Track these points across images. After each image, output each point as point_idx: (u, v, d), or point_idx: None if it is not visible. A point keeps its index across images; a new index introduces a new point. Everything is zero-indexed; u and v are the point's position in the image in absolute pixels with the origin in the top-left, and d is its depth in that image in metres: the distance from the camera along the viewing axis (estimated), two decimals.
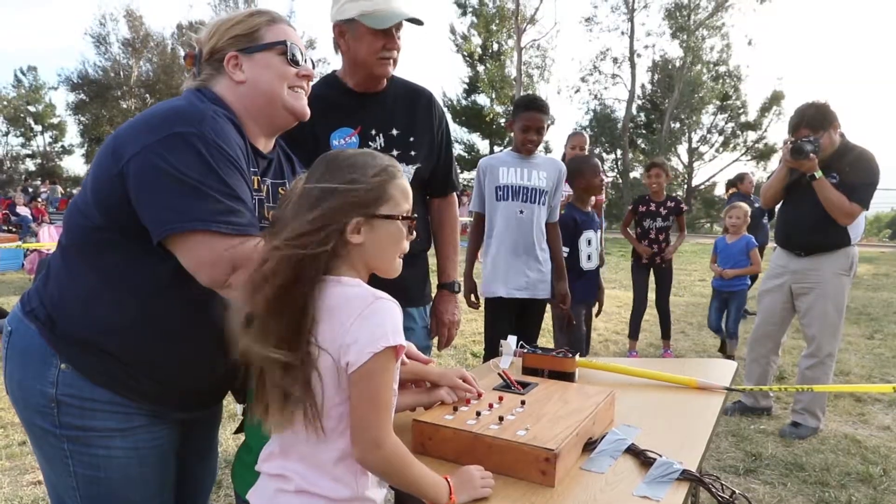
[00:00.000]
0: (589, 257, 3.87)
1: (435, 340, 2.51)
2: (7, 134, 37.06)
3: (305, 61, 1.59)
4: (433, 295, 2.50)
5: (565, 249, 3.74)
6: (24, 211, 17.32)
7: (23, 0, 68.32)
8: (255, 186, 1.50)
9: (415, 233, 1.31)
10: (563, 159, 4.70)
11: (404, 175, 1.30)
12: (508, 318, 3.39)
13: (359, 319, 1.14)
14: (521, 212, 3.36)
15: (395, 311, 1.18)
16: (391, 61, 2.12)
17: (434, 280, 2.49)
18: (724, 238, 5.59)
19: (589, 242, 3.88)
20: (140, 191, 1.29)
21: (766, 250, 6.70)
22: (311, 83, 1.65)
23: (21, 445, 3.54)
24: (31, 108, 37.76)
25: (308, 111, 1.61)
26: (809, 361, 3.80)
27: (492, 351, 3.43)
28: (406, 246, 1.30)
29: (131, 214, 1.31)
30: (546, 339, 5.54)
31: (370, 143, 2.18)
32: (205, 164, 1.30)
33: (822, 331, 3.76)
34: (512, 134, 3.52)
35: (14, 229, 15.97)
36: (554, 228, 3.53)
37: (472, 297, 3.49)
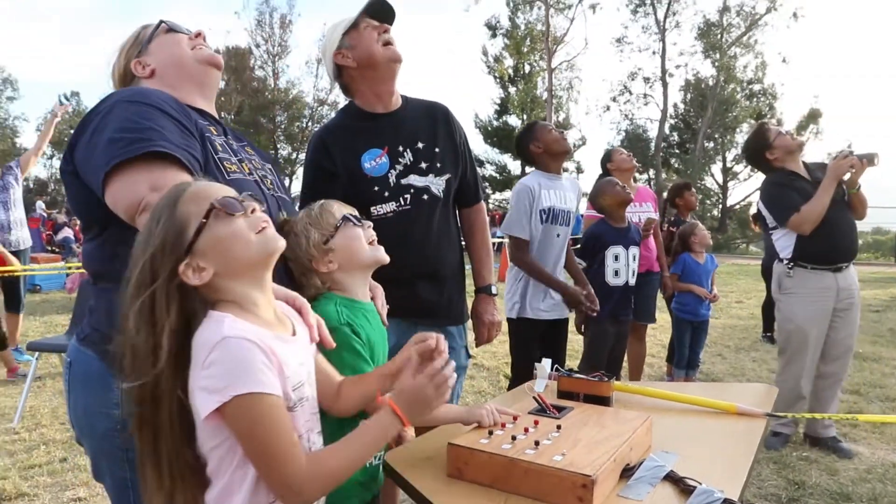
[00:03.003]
0: (616, 273, 3.82)
1: (472, 341, 2.53)
2: (52, 157, 38.24)
3: (187, 30, 1.72)
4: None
5: (584, 263, 3.78)
6: (66, 232, 17.79)
7: (67, 35, 70.73)
8: (214, 133, 1.57)
9: (252, 206, 1.20)
10: (609, 174, 4.65)
11: (194, 183, 1.22)
12: (536, 339, 3.37)
13: (202, 368, 1.07)
14: (558, 235, 3.37)
15: (243, 353, 1.07)
16: (393, 45, 2.24)
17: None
18: (691, 256, 5.06)
19: (616, 258, 3.82)
20: (80, 164, 1.37)
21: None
22: (206, 40, 1.75)
23: (62, 462, 3.60)
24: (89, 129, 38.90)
25: (218, 57, 1.71)
26: (831, 381, 3.78)
27: (520, 373, 3.41)
28: (254, 221, 1.18)
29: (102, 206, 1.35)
30: (574, 359, 5.48)
31: (399, 159, 2.23)
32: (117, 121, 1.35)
33: (853, 344, 3.72)
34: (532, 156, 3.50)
35: (57, 250, 16.40)
36: (569, 245, 3.57)
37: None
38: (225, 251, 1.14)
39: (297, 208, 1.86)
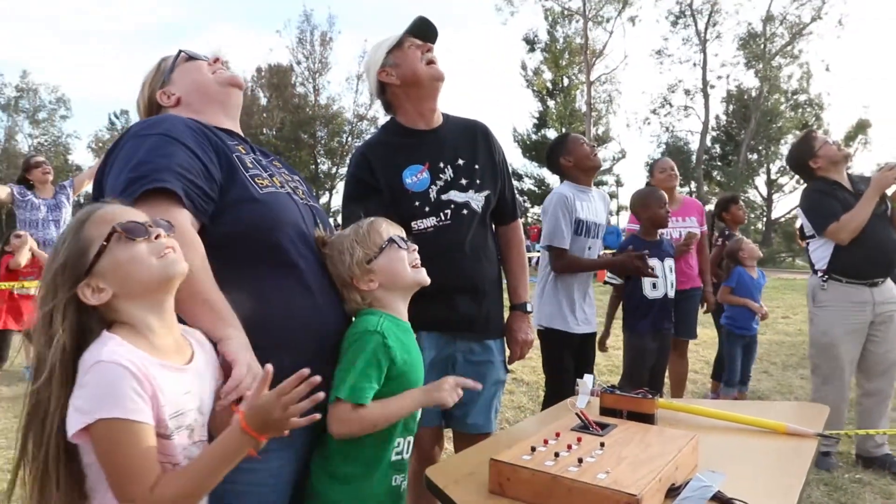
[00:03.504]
0: (654, 285, 3.76)
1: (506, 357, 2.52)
2: None
3: (205, 56, 1.79)
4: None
5: (615, 280, 3.75)
6: None
7: (116, 54, 73.24)
8: (243, 151, 1.61)
9: (157, 231, 1.22)
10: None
11: (105, 206, 1.26)
12: (569, 352, 3.34)
13: (77, 387, 1.12)
14: (590, 248, 3.36)
15: (108, 375, 1.10)
16: (436, 64, 2.28)
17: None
18: (746, 270, 4.95)
19: (652, 270, 3.77)
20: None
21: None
22: (227, 64, 1.84)
23: None
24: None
25: (238, 78, 1.78)
26: (878, 398, 3.65)
27: (554, 387, 3.39)
28: (157, 246, 1.21)
29: None
30: (614, 374, 5.41)
31: (440, 175, 2.26)
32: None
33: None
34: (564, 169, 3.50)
35: None
36: None
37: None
38: (124, 274, 1.18)
39: (333, 221, 1.90)
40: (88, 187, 6.03)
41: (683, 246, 4.36)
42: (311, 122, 36.73)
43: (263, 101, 36.79)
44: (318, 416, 1.23)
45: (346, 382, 1.49)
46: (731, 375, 4.85)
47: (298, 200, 1.65)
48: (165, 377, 1.19)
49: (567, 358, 3.32)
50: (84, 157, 43.22)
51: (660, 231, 3.87)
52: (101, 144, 41.06)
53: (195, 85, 1.71)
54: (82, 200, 6.46)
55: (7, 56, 70.23)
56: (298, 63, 37.04)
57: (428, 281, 1.68)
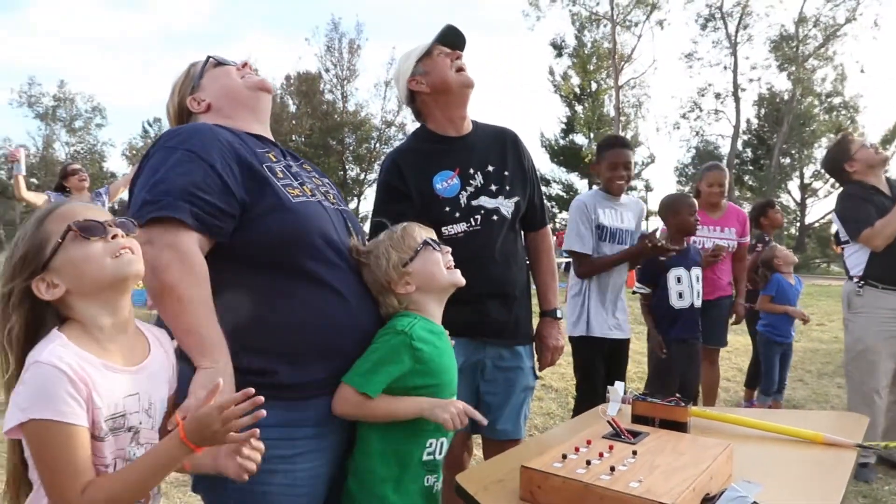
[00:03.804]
0: (681, 295, 3.71)
1: (536, 364, 2.52)
2: None
3: (234, 62, 1.81)
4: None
5: (644, 289, 3.70)
6: None
7: (149, 62, 74.79)
8: (273, 159, 1.62)
9: (115, 231, 1.24)
10: (697, 197, 4.50)
11: (66, 203, 1.29)
12: (600, 359, 3.32)
13: (18, 384, 1.14)
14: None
15: (44, 376, 1.12)
16: (466, 71, 2.29)
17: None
18: (784, 277, 4.88)
19: (679, 280, 3.70)
20: None
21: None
22: (255, 69, 1.86)
23: None
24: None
25: (267, 82, 1.79)
26: None
27: (584, 393, 3.37)
28: (113, 246, 1.22)
29: None
30: (638, 381, 5.34)
31: (470, 181, 2.27)
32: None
33: None
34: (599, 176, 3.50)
35: None
36: None
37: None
38: (77, 272, 1.20)
39: (365, 227, 1.91)
40: (124, 194, 6.14)
41: (711, 257, 4.25)
42: (340, 128, 37.03)
43: (293, 108, 37.22)
44: (257, 430, 1.21)
45: (359, 371, 1.52)
46: (768, 384, 4.77)
47: (329, 206, 1.65)
48: (107, 378, 1.20)
49: (598, 364, 3.29)
50: (118, 165, 44.20)
51: (691, 239, 3.82)
52: (134, 152, 41.88)
53: (225, 90, 1.73)
54: (117, 207, 6.59)
55: (45, 66, 72.29)
56: (327, 70, 37.43)
57: (463, 281, 1.69)
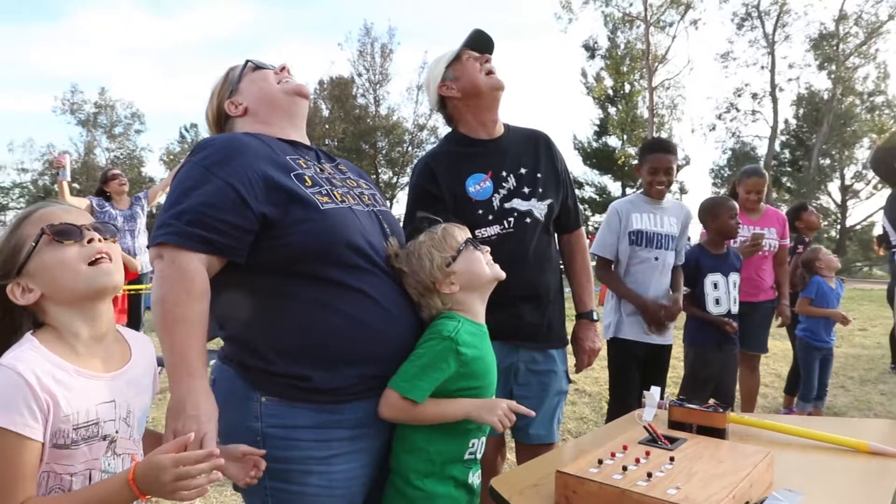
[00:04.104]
0: (717, 301, 3.64)
1: (572, 366, 2.50)
2: None
3: (272, 66, 1.81)
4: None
5: (685, 289, 3.62)
6: None
7: (186, 67, 76.35)
8: (304, 166, 1.63)
9: (91, 236, 1.23)
10: (734, 199, 4.42)
11: (46, 205, 1.28)
12: (635, 363, 3.28)
13: None
14: (657, 258, 3.29)
15: (4, 382, 1.09)
16: (496, 74, 2.30)
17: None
18: (824, 280, 4.73)
19: (716, 286, 3.64)
20: None
21: None
22: (291, 73, 1.84)
23: None
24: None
25: (304, 87, 1.80)
26: None
27: (617, 397, 3.33)
28: (89, 251, 1.21)
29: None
30: (673, 387, 5.25)
31: (503, 184, 2.27)
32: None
33: None
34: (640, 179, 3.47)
35: None
36: (677, 272, 3.44)
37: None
38: (51, 277, 1.18)
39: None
40: (162, 198, 6.28)
41: (750, 246, 4.11)
42: (372, 132, 37.28)
43: (326, 112, 37.57)
44: (207, 489, 1.17)
45: (405, 376, 1.53)
46: (808, 390, 4.65)
47: (362, 209, 1.65)
48: (79, 384, 1.18)
49: (633, 369, 3.26)
50: (156, 169, 45.15)
51: (730, 242, 3.76)
52: (171, 157, 42.68)
53: (262, 94, 1.75)
54: (155, 211, 6.73)
55: (87, 74, 74.21)
56: (359, 75, 37.69)
57: (504, 274, 1.71)
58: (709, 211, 3.74)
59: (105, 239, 1.25)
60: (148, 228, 6.33)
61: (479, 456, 1.65)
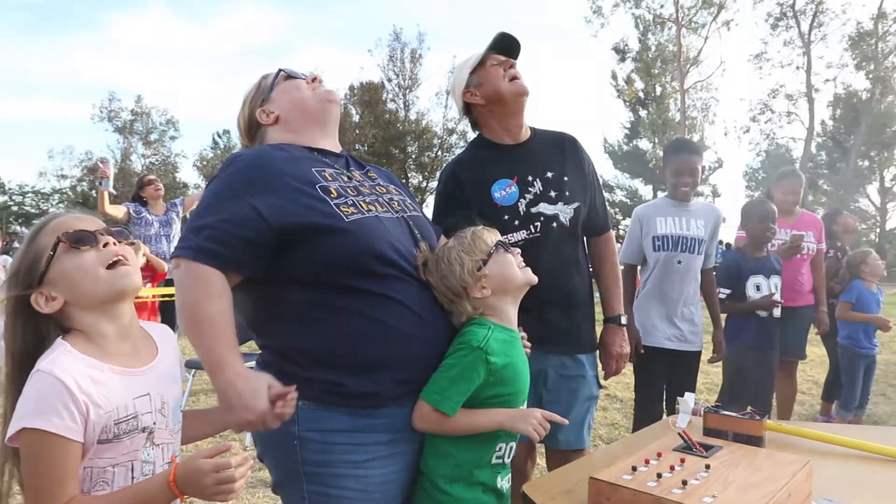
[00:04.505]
0: None
1: (600, 372, 2.47)
2: None
3: (304, 74, 1.83)
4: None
5: (726, 291, 3.59)
6: None
7: (218, 75, 77.63)
8: (329, 178, 1.62)
9: (106, 240, 1.26)
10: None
11: (61, 214, 1.31)
12: (659, 369, 3.24)
13: (21, 394, 1.15)
14: (680, 262, 3.24)
15: (44, 386, 1.13)
16: (520, 79, 2.27)
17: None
18: (864, 285, 4.63)
19: (758, 288, 3.59)
20: None
21: None
22: (324, 81, 1.86)
23: None
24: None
25: (335, 94, 1.82)
26: None
27: (642, 403, 3.31)
28: (105, 255, 1.24)
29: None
30: (713, 393, 5.16)
31: (529, 188, 2.26)
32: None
33: None
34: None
35: None
36: (708, 275, 3.40)
37: (640, 349, 3.32)
38: (72, 284, 1.21)
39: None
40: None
41: (789, 248, 4.05)
42: (402, 137, 37.42)
43: (356, 117, 37.84)
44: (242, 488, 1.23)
45: (435, 388, 1.53)
46: (850, 398, 4.53)
47: (391, 217, 1.65)
48: (115, 382, 1.22)
49: (657, 375, 3.23)
50: (190, 175, 45.90)
51: (770, 245, 3.71)
52: (204, 163, 43.38)
53: (294, 103, 1.76)
54: (188, 216, 6.87)
55: (124, 82, 75.95)
56: (389, 80, 37.87)
57: (535, 279, 1.69)
58: (748, 215, 3.73)
59: (119, 242, 1.29)
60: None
61: (507, 460, 1.63)
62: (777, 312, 3.56)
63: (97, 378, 1.20)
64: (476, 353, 1.52)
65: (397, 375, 1.53)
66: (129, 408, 1.24)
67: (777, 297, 3.56)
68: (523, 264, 1.69)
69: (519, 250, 1.71)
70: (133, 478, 1.25)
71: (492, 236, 1.69)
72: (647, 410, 3.27)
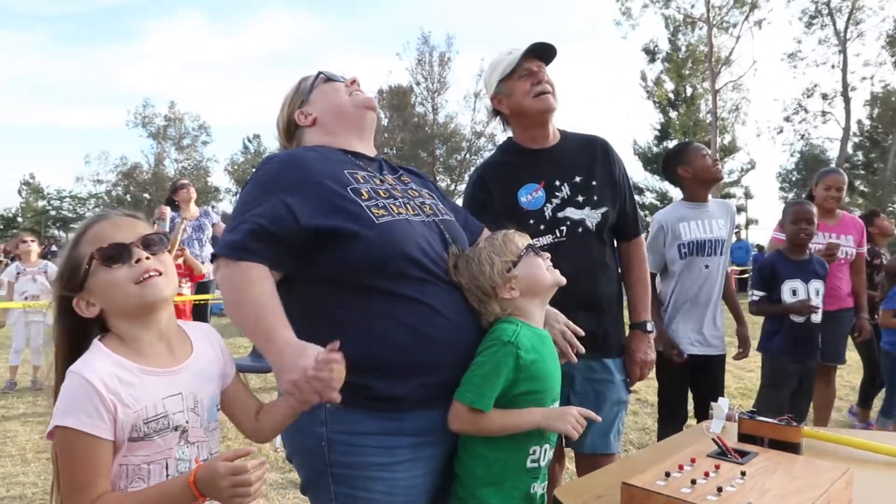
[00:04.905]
0: None
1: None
2: (236, 194, 42.31)
3: (343, 78, 1.85)
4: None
5: (760, 293, 3.55)
6: None
7: (247, 81, 78.72)
8: (361, 181, 1.64)
9: (140, 255, 1.27)
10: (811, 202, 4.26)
11: (109, 216, 1.34)
12: (683, 375, 3.20)
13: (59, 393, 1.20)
14: (707, 266, 3.19)
15: (74, 386, 1.18)
16: (547, 95, 2.24)
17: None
18: None
19: (794, 292, 3.50)
20: None
21: None
22: (361, 86, 1.87)
23: None
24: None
25: (373, 100, 1.83)
26: None
27: (665, 408, 3.28)
28: (137, 271, 1.26)
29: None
30: (747, 398, 5.07)
31: (556, 193, 2.26)
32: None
33: None
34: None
35: None
36: (728, 280, 3.37)
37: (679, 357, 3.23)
38: (105, 296, 1.26)
39: None
40: (223, 204, 6.57)
41: (825, 255, 3.96)
42: (430, 140, 37.55)
43: (385, 121, 38.07)
44: (263, 491, 1.27)
45: (469, 387, 1.53)
46: (891, 405, 4.42)
47: (421, 220, 1.65)
48: (143, 382, 1.24)
49: (679, 381, 3.20)
50: (221, 179, 46.70)
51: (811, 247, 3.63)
52: (235, 167, 44.04)
53: (331, 106, 1.78)
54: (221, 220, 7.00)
55: (158, 89, 77.52)
56: (418, 84, 38.07)
57: (564, 280, 1.70)
58: (787, 216, 3.65)
59: (154, 254, 1.31)
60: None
61: (542, 464, 1.63)
62: (816, 318, 3.48)
63: (125, 378, 1.23)
64: (507, 348, 1.54)
65: (424, 379, 1.53)
66: (159, 407, 1.26)
67: (817, 301, 3.48)
68: (552, 267, 1.71)
69: (548, 254, 1.72)
70: (168, 475, 1.28)
71: (523, 239, 1.71)
72: (671, 416, 3.24)
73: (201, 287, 6.39)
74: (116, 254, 1.26)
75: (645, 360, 2.41)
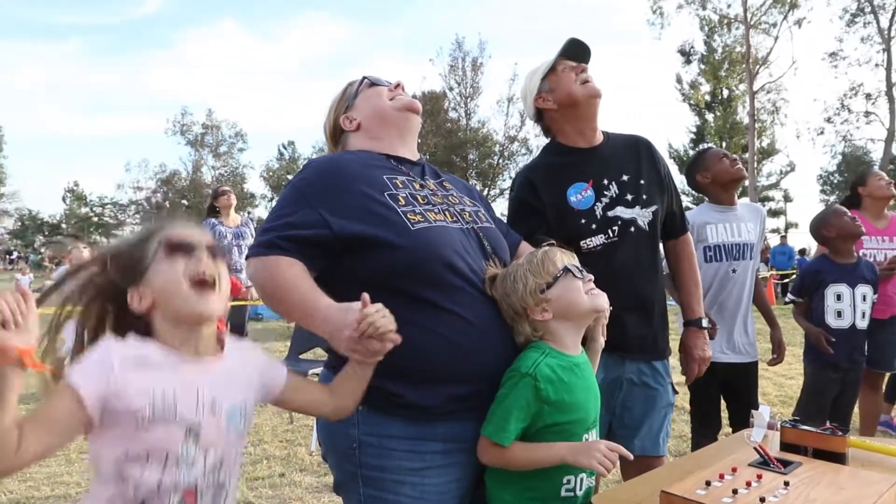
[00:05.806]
0: (839, 314, 3.41)
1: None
2: (272, 200, 42.96)
3: (387, 82, 1.87)
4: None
5: (794, 299, 3.51)
6: None
7: (284, 89, 79.88)
8: (400, 185, 1.65)
9: (201, 256, 1.29)
10: (856, 203, 4.13)
11: (182, 222, 1.35)
12: (714, 383, 3.10)
13: None
14: (734, 270, 3.11)
15: (99, 349, 1.20)
16: (592, 82, 2.26)
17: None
18: None
19: (839, 297, 3.41)
20: None
21: None
22: (405, 89, 1.90)
23: (280, 477, 3.93)
24: (290, 177, 43.75)
25: (416, 103, 1.85)
26: None
27: (697, 417, 3.22)
28: (195, 268, 1.27)
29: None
30: (786, 405, 4.94)
31: (605, 192, 2.23)
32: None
33: None
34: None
35: None
36: (759, 286, 3.29)
37: None
38: (160, 288, 1.26)
39: None
40: (260, 210, 6.68)
41: (886, 270, 3.81)
42: (463, 145, 37.54)
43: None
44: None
45: (492, 421, 1.51)
46: None
47: (459, 227, 1.64)
48: (161, 365, 1.23)
49: (711, 389, 3.11)
50: (257, 185, 47.34)
51: (861, 251, 3.54)
52: (270, 173, 44.67)
53: (374, 110, 1.80)
54: (256, 226, 7.14)
55: (195, 97, 79.12)
56: (451, 89, 38.10)
57: (606, 306, 1.62)
58: (820, 222, 3.55)
59: (214, 260, 1.31)
60: None
61: (579, 493, 1.56)
62: (862, 324, 3.38)
63: (141, 355, 1.22)
64: (525, 380, 1.49)
65: (455, 390, 1.53)
66: (169, 392, 1.21)
67: (865, 308, 3.39)
68: (595, 291, 1.61)
69: (591, 277, 1.62)
70: (166, 471, 1.21)
71: (564, 258, 1.62)
72: (705, 425, 3.18)
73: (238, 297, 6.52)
74: (183, 248, 1.28)
75: (702, 357, 2.38)
